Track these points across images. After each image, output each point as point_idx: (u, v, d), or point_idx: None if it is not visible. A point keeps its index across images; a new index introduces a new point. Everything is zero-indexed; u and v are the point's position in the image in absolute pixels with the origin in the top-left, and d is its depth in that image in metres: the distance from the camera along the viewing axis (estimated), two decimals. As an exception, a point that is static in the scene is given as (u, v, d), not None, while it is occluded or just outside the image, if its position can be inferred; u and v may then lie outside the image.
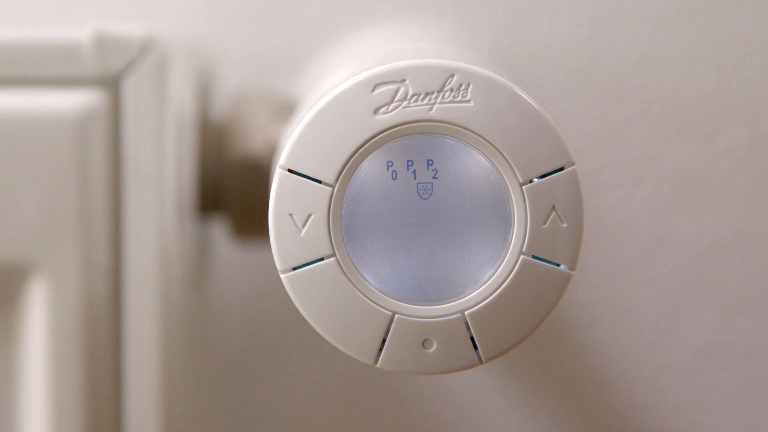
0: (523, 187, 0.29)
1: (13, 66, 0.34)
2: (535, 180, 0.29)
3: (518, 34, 0.46)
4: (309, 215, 0.29)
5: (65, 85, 0.34)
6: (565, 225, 0.30)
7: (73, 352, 0.33)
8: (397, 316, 0.30)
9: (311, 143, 0.29)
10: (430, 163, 0.30)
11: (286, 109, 0.44)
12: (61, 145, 0.33)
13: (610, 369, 0.48)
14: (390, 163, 0.30)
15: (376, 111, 0.29)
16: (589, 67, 0.46)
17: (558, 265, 0.30)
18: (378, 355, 0.30)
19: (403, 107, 0.29)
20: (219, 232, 0.48)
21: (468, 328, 0.30)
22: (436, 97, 0.29)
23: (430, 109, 0.29)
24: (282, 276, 0.30)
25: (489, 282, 0.30)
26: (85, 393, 0.33)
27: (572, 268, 0.30)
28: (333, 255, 0.29)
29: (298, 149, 0.29)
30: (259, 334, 0.49)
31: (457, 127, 0.29)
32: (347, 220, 0.30)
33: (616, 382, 0.48)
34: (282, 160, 0.29)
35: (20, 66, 0.34)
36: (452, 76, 0.29)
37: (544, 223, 0.30)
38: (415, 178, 0.30)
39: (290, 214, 0.29)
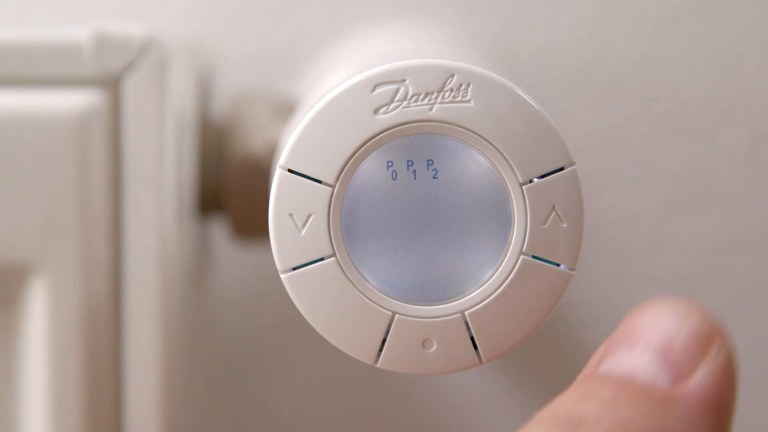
0: (523, 187, 0.29)
1: (13, 66, 0.34)
2: (535, 180, 0.29)
3: (518, 34, 0.46)
4: (309, 215, 0.29)
5: (65, 85, 0.34)
6: (565, 225, 0.30)
7: (73, 352, 0.33)
8: (397, 316, 0.30)
9: (311, 143, 0.29)
10: (430, 163, 0.30)
11: (286, 109, 0.44)
12: (61, 145, 0.33)
13: (610, 369, 0.48)
14: (390, 163, 0.30)
15: (376, 111, 0.29)
16: (589, 67, 0.46)
17: (558, 265, 0.30)
18: (378, 355, 0.30)
19: (403, 107, 0.29)
20: (219, 232, 0.48)
21: (468, 328, 0.30)
22: (436, 97, 0.29)
23: (430, 109, 0.29)
24: (282, 276, 0.30)
25: (489, 282, 0.30)
26: (85, 393, 0.33)
27: (572, 268, 0.30)
28: (333, 255, 0.29)
29: (298, 149, 0.29)
30: (259, 334, 0.49)
31: (457, 127, 0.29)
32: (347, 220, 0.30)
33: (616, 382, 0.48)
34: (282, 160, 0.29)
35: (20, 66, 0.34)
36: (452, 76, 0.29)
37: (544, 223, 0.29)
38: (415, 178, 0.30)
39: (290, 214, 0.29)
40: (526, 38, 0.46)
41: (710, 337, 0.26)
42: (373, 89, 0.29)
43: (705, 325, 0.26)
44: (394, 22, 0.46)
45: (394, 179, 0.30)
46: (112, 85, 0.34)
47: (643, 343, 0.26)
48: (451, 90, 0.29)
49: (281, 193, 0.29)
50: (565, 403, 0.25)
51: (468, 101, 0.29)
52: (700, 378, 0.25)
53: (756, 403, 0.48)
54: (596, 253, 0.47)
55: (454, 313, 0.30)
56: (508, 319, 0.30)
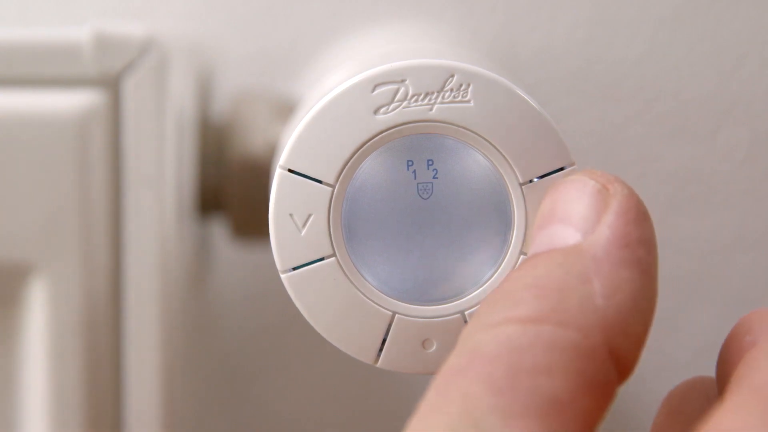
0: (523, 187, 0.29)
1: (13, 66, 0.34)
2: (535, 180, 0.29)
3: (518, 34, 0.46)
4: (309, 215, 0.29)
5: (65, 85, 0.34)
6: (565, 225, 0.30)
7: (73, 352, 0.33)
8: (397, 316, 0.30)
9: (311, 143, 0.29)
10: (430, 163, 0.30)
11: (286, 109, 0.44)
12: (61, 145, 0.33)
13: (610, 369, 0.48)
14: (390, 163, 0.30)
15: (376, 111, 0.29)
16: (589, 67, 0.46)
17: (558, 265, 0.30)
18: (378, 355, 0.30)
19: (403, 107, 0.29)
20: (219, 232, 0.48)
21: (468, 328, 0.30)
22: (436, 97, 0.29)
23: (430, 109, 0.29)
24: (282, 276, 0.30)
25: (489, 282, 0.30)
26: (85, 393, 0.33)
27: (572, 268, 0.30)
28: (333, 255, 0.30)
29: (298, 149, 0.29)
30: (259, 334, 0.49)
31: (457, 127, 0.29)
32: (347, 220, 0.30)
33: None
34: (282, 160, 0.29)
35: (20, 66, 0.34)
36: (452, 76, 0.29)
37: (544, 223, 0.29)
38: (415, 178, 0.30)
39: (290, 214, 0.29)
40: (526, 38, 0.46)
41: (605, 188, 0.27)
42: (373, 89, 0.29)
43: (600, 181, 0.27)
44: (394, 22, 0.46)
45: (394, 179, 0.30)
46: (112, 85, 0.34)
47: (554, 219, 0.27)
48: (451, 90, 0.29)
49: (281, 193, 0.29)
50: (497, 288, 0.27)
51: (468, 101, 0.29)
52: (603, 223, 0.26)
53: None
54: (596, 253, 0.47)
55: (454, 313, 0.30)
56: (508, 319, 0.30)
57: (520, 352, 0.24)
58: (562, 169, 0.29)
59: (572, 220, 0.27)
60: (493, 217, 0.30)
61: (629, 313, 0.25)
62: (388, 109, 0.29)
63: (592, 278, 0.25)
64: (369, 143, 0.29)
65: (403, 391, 0.49)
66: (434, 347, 0.30)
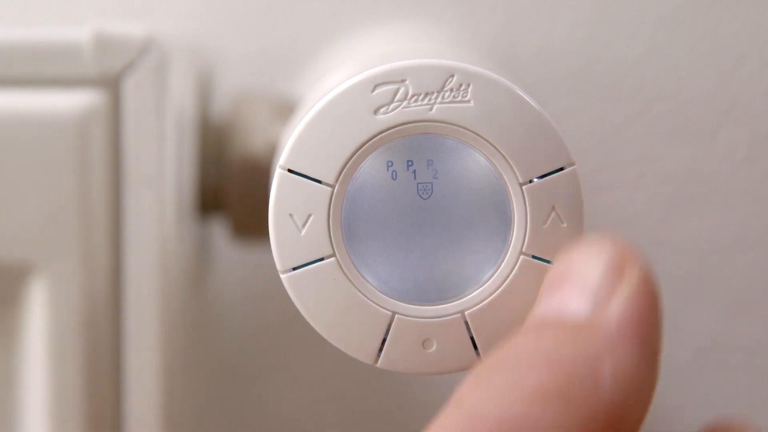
0: (523, 187, 0.29)
1: (13, 66, 0.34)
2: (535, 180, 0.29)
3: (518, 34, 0.46)
4: (309, 215, 0.29)
5: (65, 85, 0.34)
6: (565, 225, 0.30)
7: (73, 352, 0.33)
8: (397, 316, 0.30)
9: (311, 143, 0.29)
10: (430, 163, 0.30)
11: (286, 109, 0.44)
12: (61, 145, 0.33)
13: (610, 369, 0.48)
14: (390, 163, 0.30)
15: (376, 111, 0.29)
16: (589, 67, 0.46)
17: (558, 265, 0.30)
18: (378, 355, 0.30)
19: (403, 107, 0.29)
20: (219, 232, 0.48)
21: (468, 328, 0.30)
22: (436, 97, 0.29)
23: (430, 109, 0.29)
24: (282, 276, 0.30)
25: (489, 282, 0.30)
26: (85, 393, 0.33)
27: (572, 268, 0.30)
28: (333, 255, 0.30)
29: (298, 149, 0.29)
30: (259, 334, 0.49)
31: (457, 127, 0.29)
32: (347, 220, 0.30)
33: (616, 382, 0.48)
34: (282, 160, 0.29)
35: (20, 66, 0.34)
36: (452, 76, 0.29)
37: (544, 223, 0.29)
38: (415, 178, 0.30)
39: (290, 214, 0.29)
40: (526, 38, 0.46)
41: (623, 264, 0.26)
42: (373, 89, 0.29)
43: (618, 254, 0.27)
44: (394, 22, 0.46)
45: (394, 179, 0.30)
46: (112, 85, 0.34)
47: (567, 284, 0.27)
48: (451, 90, 0.29)
49: (281, 193, 0.29)
50: (499, 350, 0.26)
51: (468, 101, 0.29)
52: (616, 303, 0.26)
53: (756, 403, 0.48)
54: (596, 253, 0.47)
55: (454, 313, 0.30)
56: (508, 319, 0.30)
57: (522, 427, 0.24)
58: (562, 169, 0.29)
59: (585, 290, 0.26)
60: (493, 217, 0.30)
61: (634, 400, 0.25)
62: (388, 109, 0.29)
63: (603, 361, 0.25)
64: (369, 143, 0.29)
65: (403, 391, 0.49)
66: (434, 347, 0.30)
